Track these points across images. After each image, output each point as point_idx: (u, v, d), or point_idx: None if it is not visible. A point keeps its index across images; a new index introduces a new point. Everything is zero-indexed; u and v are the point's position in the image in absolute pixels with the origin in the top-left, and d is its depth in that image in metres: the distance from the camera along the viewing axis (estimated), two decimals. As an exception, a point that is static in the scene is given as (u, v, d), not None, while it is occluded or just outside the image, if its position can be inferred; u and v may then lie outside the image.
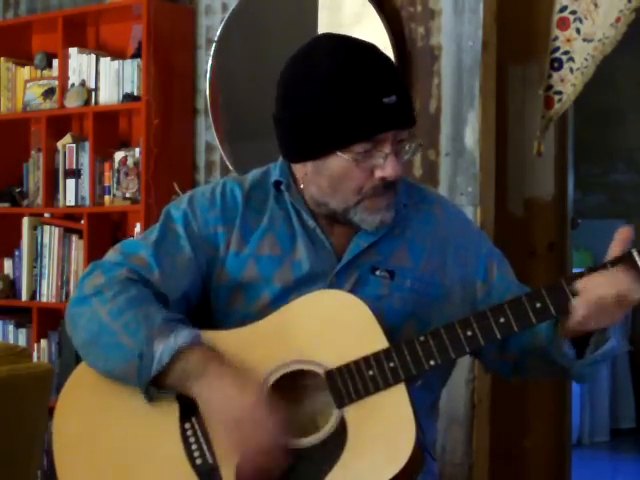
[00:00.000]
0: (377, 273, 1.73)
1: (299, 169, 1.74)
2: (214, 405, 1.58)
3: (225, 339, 1.65)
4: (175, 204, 1.80)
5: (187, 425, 1.63)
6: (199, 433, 1.62)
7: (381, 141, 1.65)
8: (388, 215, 1.70)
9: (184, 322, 1.66)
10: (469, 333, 1.57)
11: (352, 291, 1.66)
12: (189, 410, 1.63)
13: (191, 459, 1.61)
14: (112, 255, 1.75)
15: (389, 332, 1.61)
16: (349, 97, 1.62)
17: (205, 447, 1.61)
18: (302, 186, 1.75)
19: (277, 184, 1.79)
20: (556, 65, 3.14)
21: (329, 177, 1.68)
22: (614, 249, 1.57)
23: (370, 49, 1.69)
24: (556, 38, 3.13)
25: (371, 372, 1.58)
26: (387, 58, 1.69)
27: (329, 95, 1.63)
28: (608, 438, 5.81)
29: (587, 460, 5.26)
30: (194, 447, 1.62)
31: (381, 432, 1.56)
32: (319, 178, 1.70)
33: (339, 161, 1.66)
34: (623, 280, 1.54)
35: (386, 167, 1.65)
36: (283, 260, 1.74)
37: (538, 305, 1.56)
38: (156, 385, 1.61)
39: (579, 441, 5.55)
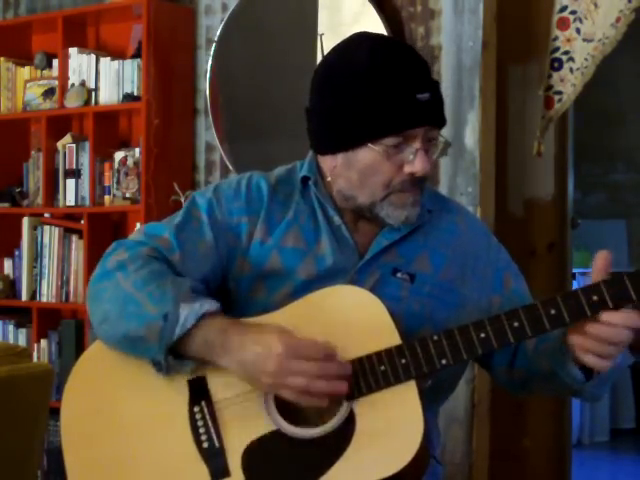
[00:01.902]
0: (398, 275, 1.75)
1: (328, 162, 1.76)
2: (253, 370, 1.58)
3: None
4: (200, 192, 1.83)
5: (196, 409, 1.65)
6: (207, 417, 1.64)
7: (412, 136, 1.67)
8: (414, 211, 1.73)
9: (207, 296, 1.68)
10: (482, 335, 1.58)
11: (372, 290, 1.67)
12: (199, 394, 1.65)
13: (198, 442, 1.63)
14: (135, 235, 1.78)
15: (405, 334, 1.62)
16: (384, 90, 1.65)
17: (213, 431, 1.63)
18: (329, 179, 1.77)
19: (304, 180, 1.81)
20: (556, 65, 3.14)
21: (359, 170, 1.71)
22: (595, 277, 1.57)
23: (407, 47, 1.74)
24: (556, 38, 3.13)
25: (382, 367, 1.59)
26: (423, 59, 1.73)
27: (364, 87, 1.66)
28: (608, 438, 5.81)
29: (587, 460, 5.26)
30: (202, 431, 1.63)
31: (389, 426, 1.57)
32: (349, 171, 1.72)
33: (370, 153, 1.68)
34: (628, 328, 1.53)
35: (415, 163, 1.68)
36: (307, 254, 1.75)
37: (553, 312, 1.56)
38: (173, 354, 1.62)
39: (579, 441, 5.55)
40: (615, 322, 1.53)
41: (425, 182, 1.75)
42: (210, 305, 1.62)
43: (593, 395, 1.71)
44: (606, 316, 1.53)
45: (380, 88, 1.65)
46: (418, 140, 1.67)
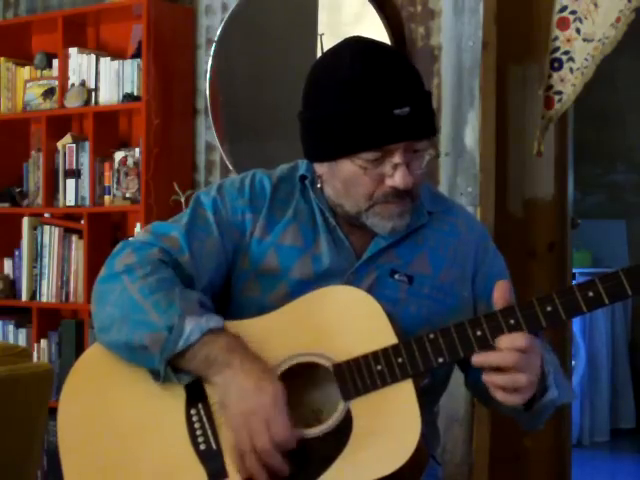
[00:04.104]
0: (396, 277, 1.75)
1: (317, 168, 1.77)
2: (230, 397, 1.58)
3: (237, 329, 1.66)
4: (205, 191, 1.83)
5: (193, 411, 1.64)
6: (204, 419, 1.63)
7: (391, 151, 1.65)
8: (400, 222, 1.71)
9: (213, 311, 1.67)
10: (479, 333, 1.58)
11: (369, 291, 1.67)
12: (196, 396, 1.64)
13: (195, 444, 1.63)
14: (143, 235, 1.77)
15: (403, 336, 1.62)
16: (361, 105, 1.64)
17: (210, 433, 1.63)
18: (318, 185, 1.78)
19: (302, 179, 1.81)
20: (556, 65, 3.14)
21: (342, 180, 1.70)
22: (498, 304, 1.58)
23: (392, 58, 1.69)
24: (556, 38, 3.13)
25: (379, 367, 1.59)
26: (408, 68, 1.69)
27: (342, 102, 1.65)
28: (608, 438, 5.80)
29: (587, 460, 5.26)
30: (199, 433, 1.63)
31: (386, 426, 1.57)
32: (333, 180, 1.73)
33: (350, 166, 1.68)
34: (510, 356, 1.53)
35: (395, 177, 1.66)
36: (304, 252, 1.75)
37: (549, 309, 1.56)
38: (172, 367, 1.61)
39: (579, 441, 5.55)
40: (500, 346, 1.54)
41: (415, 191, 1.72)
42: (216, 322, 1.62)
43: (528, 424, 1.74)
44: (496, 341, 1.54)
45: (357, 103, 1.64)
46: (398, 155, 1.65)
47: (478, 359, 1.54)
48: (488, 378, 1.54)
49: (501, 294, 1.57)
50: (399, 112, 1.63)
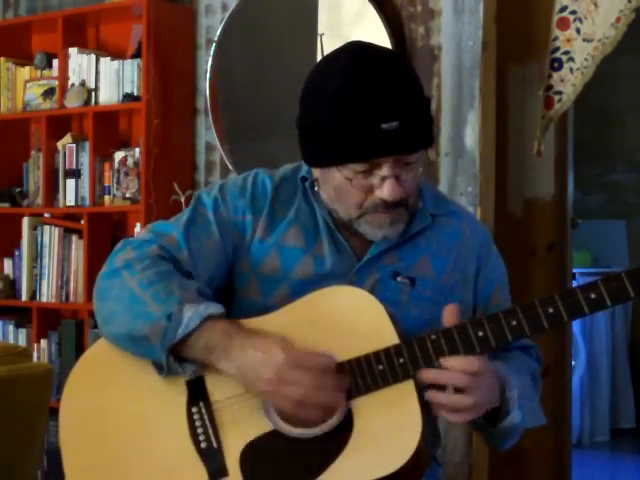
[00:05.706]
0: (398, 279, 1.75)
1: (313, 172, 1.77)
2: (249, 376, 1.59)
3: None
4: (206, 190, 1.83)
5: (194, 409, 1.65)
6: (205, 417, 1.64)
7: (379, 163, 1.64)
8: (392, 231, 1.70)
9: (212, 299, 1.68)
10: (480, 334, 1.58)
11: (371, 293, 1.66)
12: (197, 394, 1.65)
13: (196, 442, 1.64)
14: (143, 234, 1.78)
15: (404, 337, 1.62)
16: (349, 117, 1.62)
17: (211, 431, 1.63)
18: (316, 189, 1.78)
19: (303, 180, 1.81)
20: (556, 65, 3.14)
21: (333, 187, 1.71)
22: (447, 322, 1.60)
23: (387, 68, 1.64)
24: (556, 38, 3.13)
25: (381, 367, 1.59)
26: (403, 79, 1.65)
27: (332, 111, 1.64)
28: (608, 438, 5.80)
29: (587, 460, 5.26)
30: (200, 431, 1.64)
31: (387, 426, 1.57)
32: (326, 185, 1.73)
33: (338, 175, 1.67)
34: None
35: (384, 189, 1.65)
36: (306, 252, 1.75)
37: (550, 310, 1.57)
38: (175, 356, 1.62)
39: (579, 441, 5.55)
40: (449, 366, 1.56)
41: (410, 200, 1.71)
42: (215, 308, 1.62)
43: (492, 443, 1.73)
44: (442, 361, 1.57)
45: (346, 115, 1.62)
46: (386, 168, 1.64)
47: (428, 375, 1.57)
48: (431, 395, 1.56)
49: (450, 319, 1.59)
50: (387, 127, 1.60)
